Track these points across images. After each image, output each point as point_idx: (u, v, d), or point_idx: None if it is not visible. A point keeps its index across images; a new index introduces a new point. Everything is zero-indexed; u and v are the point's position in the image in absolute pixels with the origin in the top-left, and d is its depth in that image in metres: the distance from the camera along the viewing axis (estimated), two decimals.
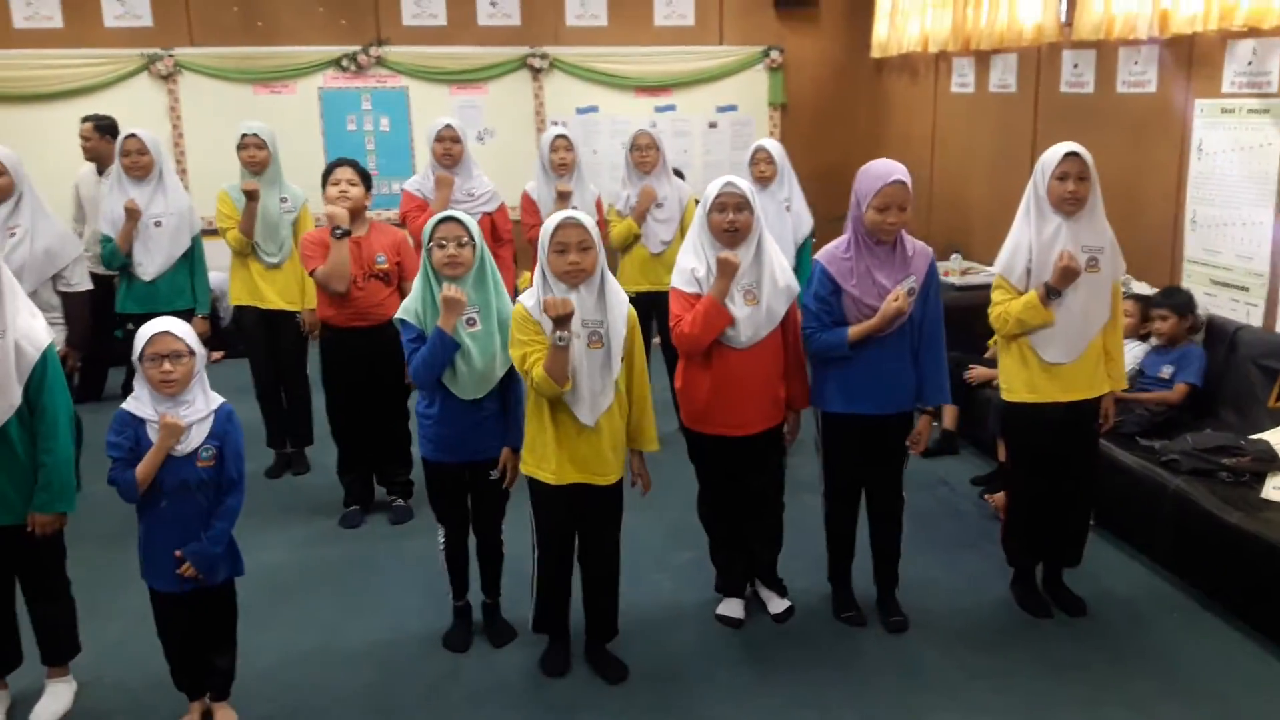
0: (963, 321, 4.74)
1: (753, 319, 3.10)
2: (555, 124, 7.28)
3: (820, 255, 3.25)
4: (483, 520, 3.31)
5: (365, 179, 4.10)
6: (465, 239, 3.04)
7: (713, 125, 7.66)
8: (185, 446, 2.68)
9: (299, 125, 6.99)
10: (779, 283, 3.15)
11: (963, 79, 6.41)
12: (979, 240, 6.08)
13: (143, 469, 2.64)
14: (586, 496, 3.02)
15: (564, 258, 2.84)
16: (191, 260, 4.70)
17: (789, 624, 3.46)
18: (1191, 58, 4.51)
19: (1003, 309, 3.28)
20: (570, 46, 7.34)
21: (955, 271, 5.85)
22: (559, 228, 2.86)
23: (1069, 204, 3.16)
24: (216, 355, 6.62)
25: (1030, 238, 3.23)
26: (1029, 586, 3.58)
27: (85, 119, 5.71)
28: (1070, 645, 3.33)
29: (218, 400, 2.76)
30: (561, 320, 2.77)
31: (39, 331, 2.77)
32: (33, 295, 4.16)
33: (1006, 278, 3.29)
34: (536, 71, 7.30)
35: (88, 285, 4.29)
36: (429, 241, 3.05)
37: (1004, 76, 5.96)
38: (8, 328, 2.68)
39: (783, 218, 4.90)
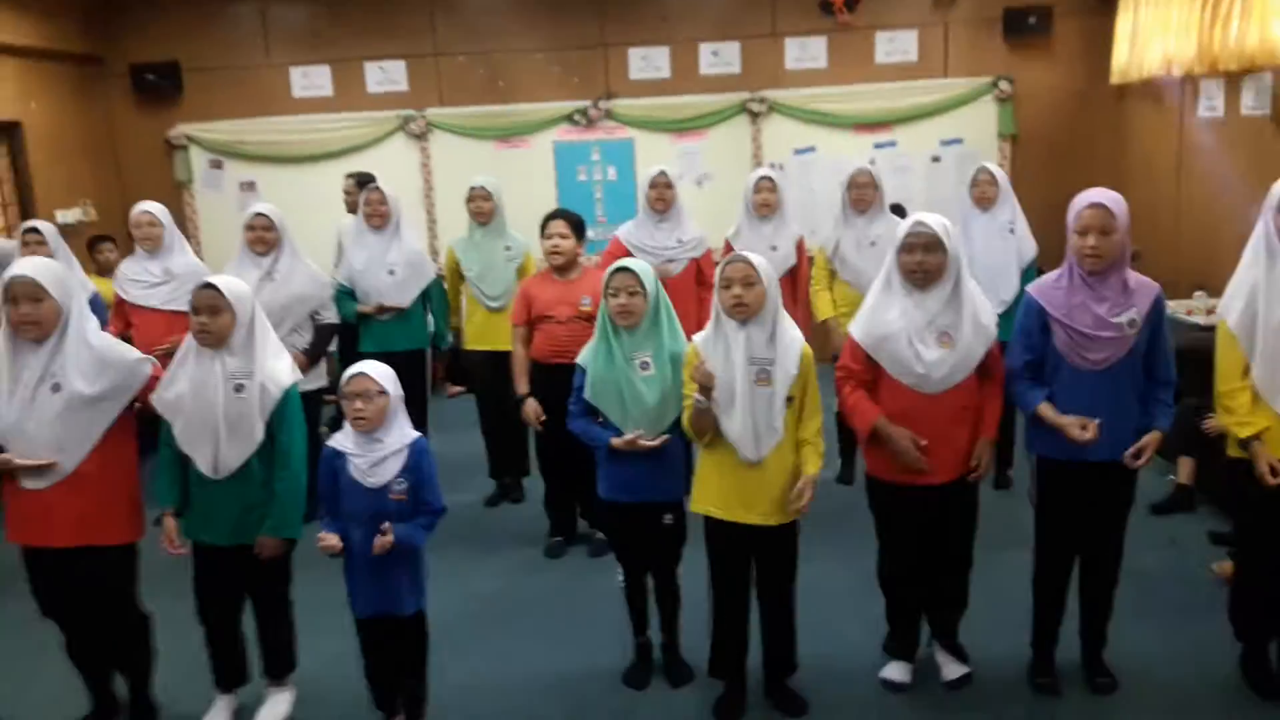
0: (1206, 364, 4.36)
1: (945, 362, 3.00)
2: (769, 165, 7.41)
3: (1032, 286, 3.13)
4: (659, 561, 3.40)
5: (577, 229, 4.35)
6: (636, 289, 3.18)
7: (936, 160, 7.46)
8: (378, 479, 2.92)
9: (535, 177, 7.46)
10: (979, 324, 3.03)
11: (1211, 103, 5.91)
12: (1228, 277, 5.55)
13: None
14: (757, 535, 3.05)
15: (729, 293, 2.93)
16: (426, 302, 5.13)
17: (963, 692, 3.30)
18: None
19: (1218, 378, 3.05)
20: (789, 89, 7.40)
21: (1200, 310, 5.38)
22: (727, 265, 2.96)
23: None
24: (456, 390, 7.14)
25: (1257, 276, 2.97)
26: (1260, 664, 3.23)
27: (348, 175, 6.39)
28: None
29: (412, 435, 2.98)
30: (705, 387, 2.89)
31: (282, 373, 3.11)
32: (290, 335, 4.76)
33: (1225, 318, 3.03)
34: (755, 115, 7.42)
35: (335, 319, 4.88)
36: (606, 291, 3.21)
37: (1258, 99, 5.45)
38: (255, 370, 3.05)
39: (1006, 241, 4.76)
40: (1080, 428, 2.97)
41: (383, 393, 2.93)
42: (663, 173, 4.96)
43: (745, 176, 7.32)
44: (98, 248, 6.29)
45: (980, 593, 3.38)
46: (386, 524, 2.88)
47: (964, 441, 3.12)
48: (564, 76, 7.49)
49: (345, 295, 5.05)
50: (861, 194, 4.82)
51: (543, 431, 4.49)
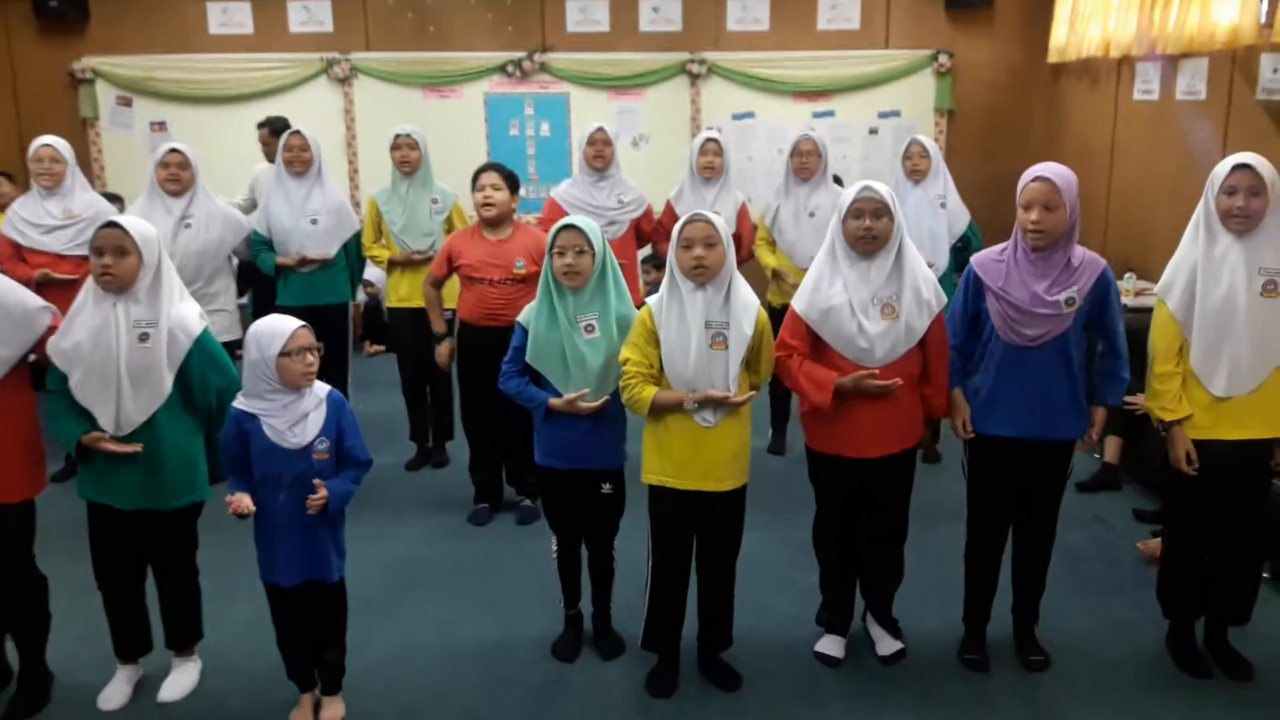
0: (1134, 346, 4.39)
1: (889, 334, 2.92)
2: (710, 129, 7.28)
3: (975, 256, 3.08)
4: (595, 532, 3.28)
5: (511, 183, 4.16)
6: (584, 247, 3.03)
7: (873, 131, 7.42)
8: (299, 440, 2.73)
9: (464, 129, 7.20)
10: (922, 295, 2.96)
11: (1147, 85, 5.95)
12: (1159, 260, 5.51)
13: None
14: (707, 504, 2.95)
15: (689, 253, 2.82)
16: (348, 255, 4.88)
17: (897, 667, 3.25)
18: None
19: (1153, 359, 3.04)
20: (730, 52, 7.26)
21: (1129, 292, 5.44)
22: (686, 224, 2.85)
23: (1236, 221, 2.86)
24: (376, 349, 6.89)
25: (1196, 257, 2.95)
26: (1186, 642, 3.26)
27: (260, 124, 6.02)
28: (1229, 710, 3.01)
29: (325, 388, 2.80)
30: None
31: (191, 319, 2.88)
32: (209, 279, 4.49)
33: (1164, 299, 3.02)
34: (694, 77, 7.26)
35: (247, 259, 4.71)
36: (550, 249, 3.05)
37: (1193, 83, 5.49)
38: (160, 318, 2.81)
39: (937, 214, 4.78)
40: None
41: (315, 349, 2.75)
42: (601, 129, 4.79)
43: (683, 140, 7.32)
44: None
45: (914, 567, 3.34)
46: (319, 481, 2.71)
47: (904, 414, 3.05)
48: (498, 25, 7.22)
49: (262, 246, 4.78)
50: (805, 161, 4.72)
51: (468, 393, 4.33)
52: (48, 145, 4.50)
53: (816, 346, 3.02)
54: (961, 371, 3.10)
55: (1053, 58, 6.91)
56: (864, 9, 7.24)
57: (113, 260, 2.74)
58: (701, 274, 2.83)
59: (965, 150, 7.26)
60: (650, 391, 2.88)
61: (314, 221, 4.73)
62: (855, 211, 2.92)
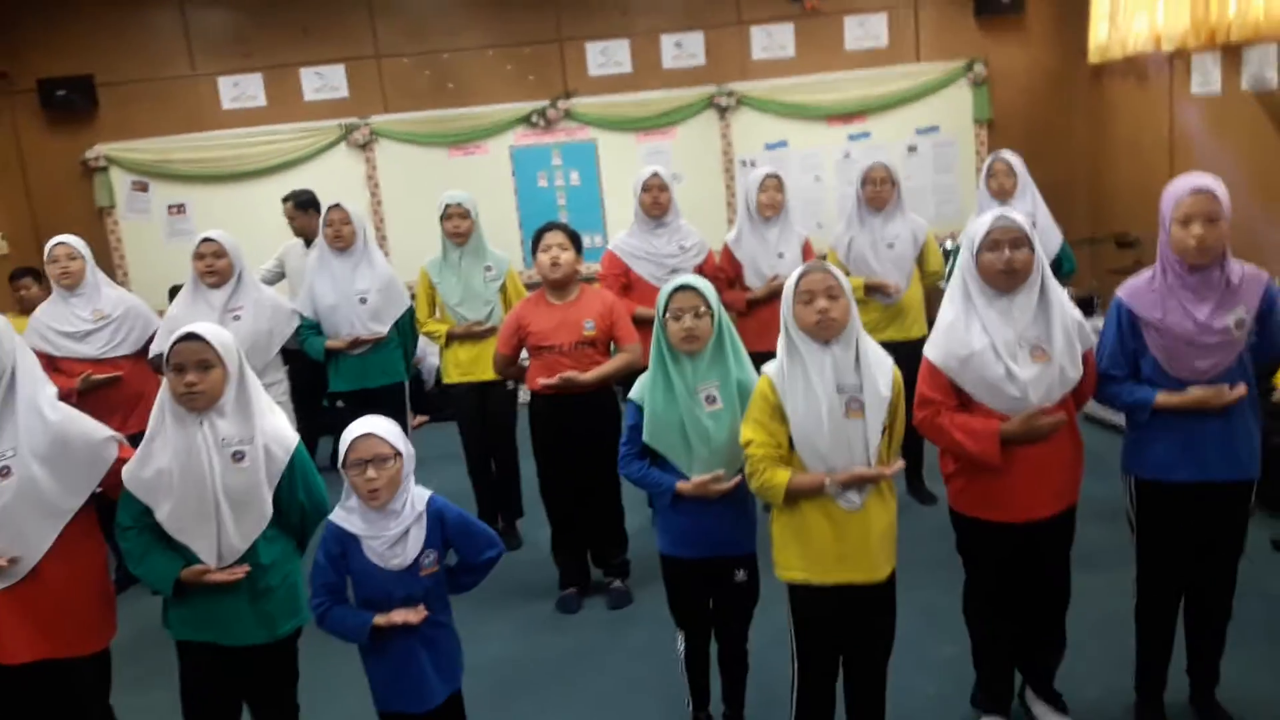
0: None
1: (1042, 380, 2.63)
2: (744, 163, 7.05)
3: (1120, 289, 2.78)
4: (727, 625, 2.98)
5: (575, 242, 3.91)
6: (703, 309, 2.76)
7: (912, 149, 7.16)
8: (403, 559, 2.49)
9: (492, 185, 6.96)
10: (1072, 335, 2.67)
11: (1205, 79, 5.69)
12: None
13: None
14: (856, 596, 2.63)
15: (811, 308, 2.52)
16: (401, 332, 4.63)
17: None
18: None
19: None
20: (758, 80, 7.03)
21: None
22: (803, 275, 2.56)
23: None
24: (420, 420, 6.62)
25: None
26: None
27: (285, 199, 5.80)
28: None
29: (424, 496, 2.55)
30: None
31: (286, 431, 2.63)
32: (260, 373, 4.22)
33: None
34: (723, 110, 7.03)
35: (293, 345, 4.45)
36: (663, 314, 2.78)
37: (1260, 72, 5.23)
38: (255, 432, 2.54)
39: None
40: (1218, 393, 2.64)
41: (397, 455, 2.48)
42: (656, 174, 4.55)
43: (717, 175, 7.10)
44: (19, 283, 5.61)
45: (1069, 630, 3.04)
46: (421, 610, 2.50)
47: (1066, 466, 2.77)
48: (518, 75, 7.00)
49: (310, 330, 4.52)
50: (878, 191, 4.45)
51: (546, 469, 4.05)
52: (62, 244, 4.27)
53: (959, 400, 2.73)
54: (1135, 384, 2.78)
55: (1094, 58, 6.66)
56: (891, 25, 7.02)
57: (197, 377, 2.48)
58: (827, 330, 2.54)
59: None
60: (783, 475, 2.58)
61: (363, 300, 4.48)
62: (991, 243, 2.64)
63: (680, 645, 3.02)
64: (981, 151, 7.11)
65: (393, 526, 2.48)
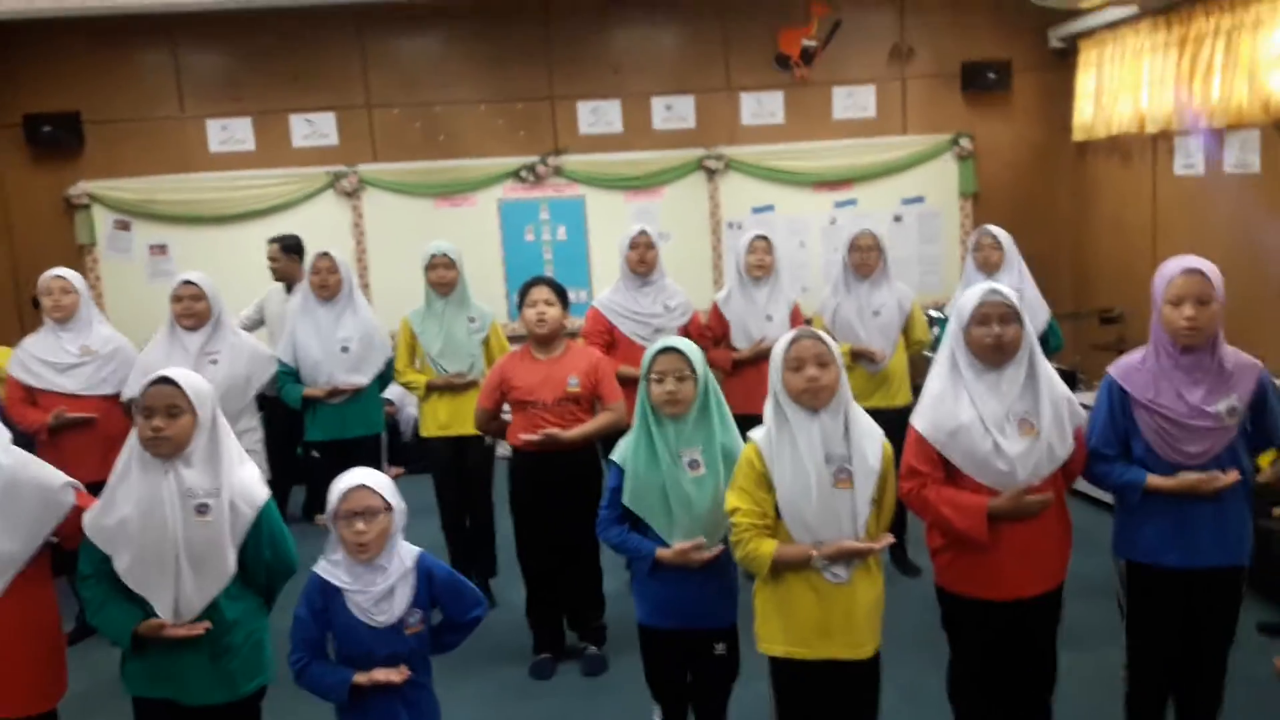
0: None
1: (1030, 455, 2.60)
2: (732, 225, 7.08)
3: (1111, 367, 2.77)
4: (704, 700, 2.88)
5: (562, 297, 3.87)
6: (686, 372, 2.72)
7: (898, 219, 7.21)
8: (389, 616, 2.42)
9: (479, 237, 6.94)
10: (1061, 411, 2.64)
11: (1189, 160, 5.79)
12: None
13: None
14: (840, 673, 2.56)
15: (800, 374, 2.49)
16: (382, 384, 4.56)
17: None
18: None
19: None
20: (746, 145, 7.09)
21: None
22: (793, 342, 2.54)
23: None
24: (396, 471, 6.50)
25: None
26: None
27: (272, 240, 5.76)
28: None
29: (413, 553, 2.49)
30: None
31: (254, 486, 2.53)
32: (234, 419, 4.13)
33: None
34: (712, 173, 7.07)
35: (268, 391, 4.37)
36: (646, 374, 2.73)
37: (1243, 156, 5.32)
38: (222, 485, 2.45)
39: None
40: (1210, 479, 2.60)
41: (388, 508, 2.41)
42: (644, 232, 4.54)
43: (704, 236, 7.12)
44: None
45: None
46: (403, 670, 2.44)
47: (1054, 544, 2.73)
48: (509, 130, 7.02)
49: (288, 377, 4.44)
50: (864, 258, 4.45)
51: (524, 527, 3.96)
52: (58, 276, 4.20)
53: (946, 473, 2.68)
54: (1127, 465, 2.75)
55: (1078, 135, 6.77)
56: (879, 96, 7.11)
57: (164, 422, 2.39)
58: (816, 398, 2.50)
59: None
60: (769, 546, 2.51)
61: (345, 349, 4.42)
62: (980, 317, 2.62)
63: (656, 719, 2.91)
64: (966, 224, 7.18)
65: (379, 582, 2.41)
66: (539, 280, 3.88)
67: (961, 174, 7.15)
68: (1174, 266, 2.67)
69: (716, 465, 2.72)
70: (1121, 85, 6.17)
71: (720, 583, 2.77)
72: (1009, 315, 2.61)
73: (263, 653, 2.58)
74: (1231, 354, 2.69)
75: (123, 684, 2.53)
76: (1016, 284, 4.46)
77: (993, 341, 2.60)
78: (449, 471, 4.57)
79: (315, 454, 4.63)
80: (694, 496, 2.70)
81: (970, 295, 2.67)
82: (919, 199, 7.19)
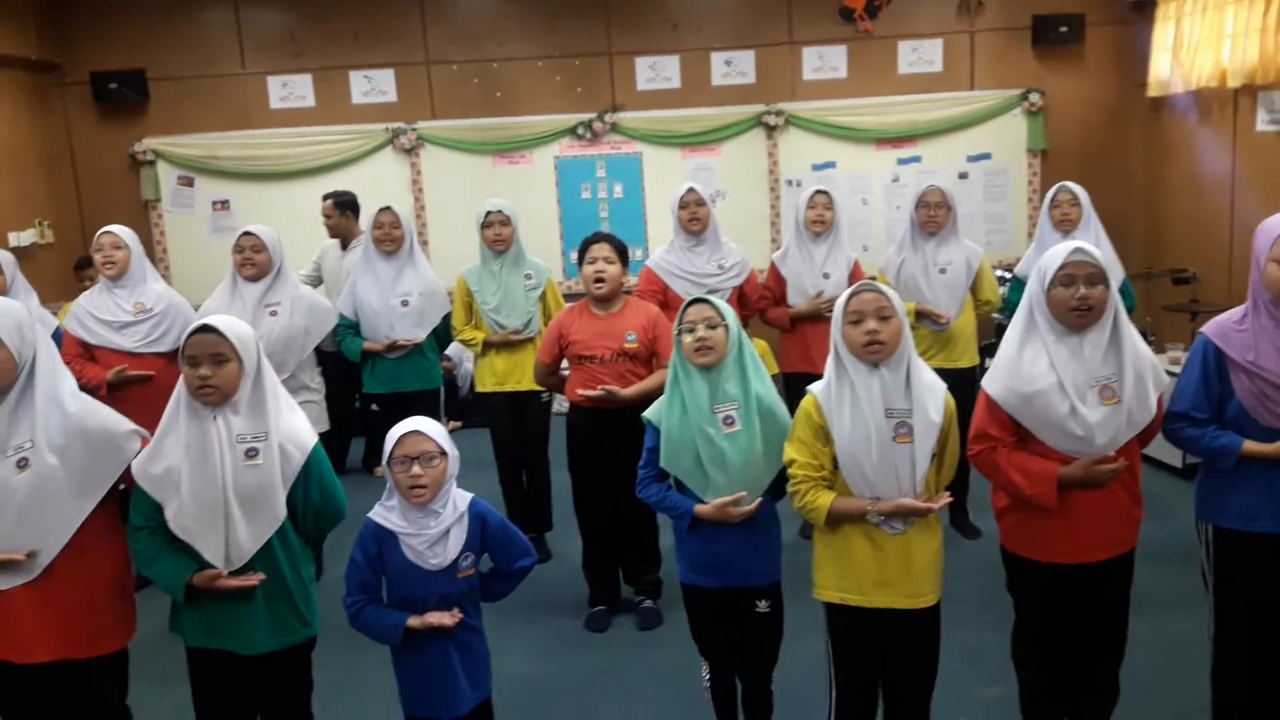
0: None
1: (1110, 422, 2.50)
2: (791, 183, 6.97)
3: (1207, 327, 2.65)
4: (751, 659, 2.85)
5: (622, 255, 3.83)
6: (716, 320, 2.68)
7: (963, 176, 7.03)
8: (442, 559, 2.44)
9: (535, 194, 6.93)
10: (1144, 377, 2.54)
11: (1274, 115, 5.54)
12: None
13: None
14: (897, 624, 2.53)
15: (860, 329, 2.44)
16: (438, 338, 4.58)
17: None
18: None
19: None
20: (807, 101, 6.95)
21: None
22: (853, 295, 2.48)
23: None
24: (453, 425, 6.56)
25: None
26: None
27: (326, 196, 5.78)
28: None
29: (466, 498, 2.50)
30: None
31: (303, 430, 2.54)
32: (295, 370, 4.18)
33: None
34: (771, 129, 6.95)
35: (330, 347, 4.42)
36: (678, 329, 2.70)
37: None
38: (270, 430, 2.46)
39: None
40: None
41: (443, 454, 2.42)
42: (692, 189, 4.46)
43: (762, 194, 7.01)
44: (84, 272, 5.59)
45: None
46: (456, 614, 2.46)
47: (1125, 509, 2.64)
48: (566, 87, 6.96)
49: (348, 330, 4.48)
50: (933, 215, 4.33)
51: (581, 482, 3.97)
52: (109, 232, 4.22)
53: (1019, 437, 2.61)
54: (1210, 464, 2.66)
55: (1154, 91, 6.53)
56: (947, 51, 6.91)
57: (211, 370, 2.40)
58: (877, 352, 2.45)
59: None
60: (826, 498, 2.49)
61: (405, 303, 4.44)
62: (1065, 278, 2.51)
63: (706, 676, 2.90)
64: (1034, 181, 6.99)
65: (433, 525, 2.43)
66: (599, 237, 3.84)
67: (1030, 130, 6.94)
68: (1279, 222, 2.53)
69: (752, 420, 2.68)
70: (1202, 39, 5.92)
71: (761, 540, 2.74)
72: (1096, 276, 2.50)
73: (312, 600, 2.60)
74: None
75: (177, 634, 2.58)
76: (1093, 243, 4.29)
77: (1078, 303, 2.49)
78: (506, 426, 4.58)
79: (374, 407, 4.67)
80: (728, 453, 2.66)
81: (1054, 254, 2.55)
82: (985, 155, 7.00)
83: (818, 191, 4.53)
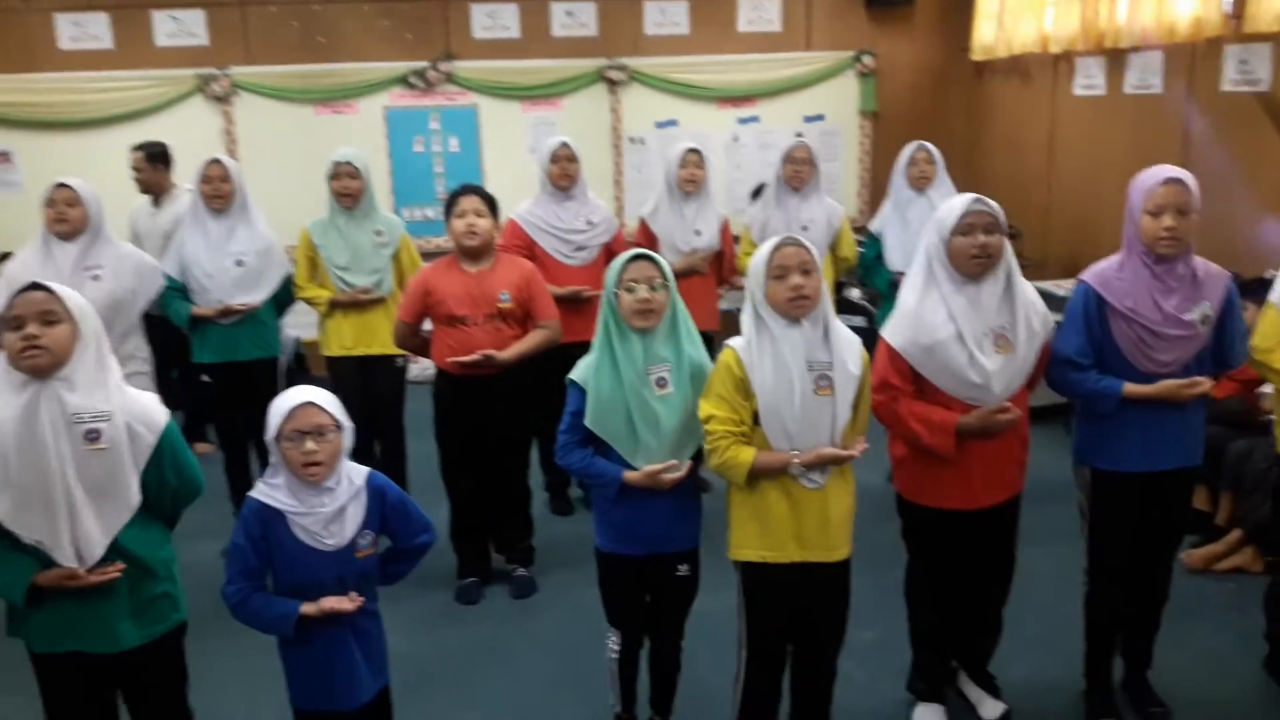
0: None
1: (1005, 371, 2.57)
2: (634, 140, 6.87)
3: (1087, 274, 2.72)
4: (665, 624, 2.77)
5: (492, 207, 3.61)
6: (659, 280, 2.54)
7: (799, 136, 7.11)
8: (339, 539, 2.22)
9: (363, 147, 6.31)
10: (1033, 324, 2.61)
11: (1089, 81, 5.88)
12: (1106, 254, 5.54)
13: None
14: (812, 579, 2.50)
15: (784, 283, 2.38)
16: (279, 304, 4.21)
17: None
18: None
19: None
20: (649, 57, 6.83)
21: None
22: (776, 250, 2.42)
23: None
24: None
25: None
26: None
27: (135, 148, 5.22)
28: None
29: (362, 473, 2.28)
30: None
31: (153, 408, 2.24)
32: (121, 338, 3.73)
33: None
34: (614, 84, 6.80)
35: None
36: (615, 286, 2.54)
37: (1144, 76, 5.42)
38: (113, 407, 2.15)
39: None
40: (1190, 385, 2.60)
41: (339, 427, 2.19)
42: (565, 144, 4.29)
43: (605, 150, 6.86)
44: None
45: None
46: (354, 597, 2.24)
47: (1015, 455, 2.72)
48: (395, 32, 6.55)
49: (175, 294, 4.04)
50: (798, 170, 4.34)
51: (449, 450, 3.76)
52: None
53: (918, 387, 2.63)
54: (1088, 406, 2.74)
55: (977, 55, 6.80)
56: (785, 10, 6.95)
57: (39, 329, 2.07)
58: (803, 307, 2.40)
59: (890, 154, 6.94)
60: (747, 454, 2.42)
61: (239, 263, 4.03)
62: (965, 227, 2.54)
63: (615, 645, 2.78)
64: (865, 143, 7.18)
65: (328, 503, 2.20)
66: (468, 189, 3.62)
67: (862, 92, 7.10)
68: (1154, 176, 2.63)
69: (684, 383, 2.58)
70: (1025, 5, 6.20)
71: (687, 504, 2.65)
72: (993, 225, 2.55)
73: (177, 583, 2.34)
74: (1201, 263, 2.68)
75: (19, 639, 2.24)
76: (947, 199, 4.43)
77: (977, 251, 2.53)
78: (356, 394, 4.27)
79: (205, 378, 4.25)
80: (662, 416, 2.55)
81: (954, 205, 2.59)
82: (820, 117, 7.12)
83: (690, 150, 4.45)
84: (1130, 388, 2.64)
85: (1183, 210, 2.56)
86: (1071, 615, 3.01)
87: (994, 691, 2.98)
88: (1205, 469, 3.02)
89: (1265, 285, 3.40)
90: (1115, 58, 5.61)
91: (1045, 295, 2.73)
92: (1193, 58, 5.06)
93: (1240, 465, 3.83)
